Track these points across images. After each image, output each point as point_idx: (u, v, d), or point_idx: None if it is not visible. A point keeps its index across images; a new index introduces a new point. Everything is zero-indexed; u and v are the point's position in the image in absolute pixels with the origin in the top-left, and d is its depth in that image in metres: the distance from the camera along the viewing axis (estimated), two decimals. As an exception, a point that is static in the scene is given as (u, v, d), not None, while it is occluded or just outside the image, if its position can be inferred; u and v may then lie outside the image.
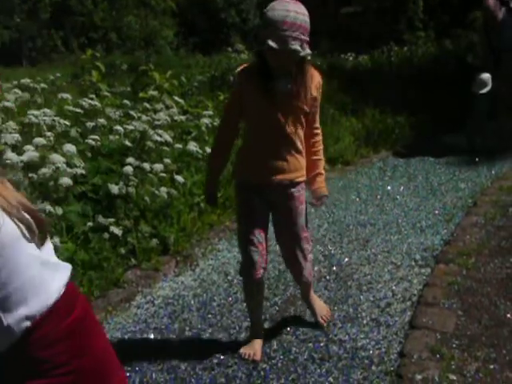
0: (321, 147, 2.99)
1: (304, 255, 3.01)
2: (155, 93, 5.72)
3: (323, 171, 3.01)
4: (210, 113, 5.98)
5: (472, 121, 7.48)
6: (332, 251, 4.41)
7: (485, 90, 7.04)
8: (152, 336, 3.22)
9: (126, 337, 3.21)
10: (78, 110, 5.04)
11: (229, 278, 3.96)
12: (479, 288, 3.68)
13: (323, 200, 3.02)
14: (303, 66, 2.66)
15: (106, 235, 3.80)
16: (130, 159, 4.22)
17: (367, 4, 28.07)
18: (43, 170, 3.84)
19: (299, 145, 2.83)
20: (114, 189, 4.01)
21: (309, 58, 2.62)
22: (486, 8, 7.05)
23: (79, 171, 4.06)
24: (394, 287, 3.77)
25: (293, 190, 2.87)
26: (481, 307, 3.43)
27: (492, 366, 2.85)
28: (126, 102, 5.64)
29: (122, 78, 12.10)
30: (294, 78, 2.66)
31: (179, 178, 4.47)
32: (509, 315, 3.33)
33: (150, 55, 19.71)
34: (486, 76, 7.07)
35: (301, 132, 2.82)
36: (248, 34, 24.86)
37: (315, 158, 2.97)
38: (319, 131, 2.98)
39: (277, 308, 3.52)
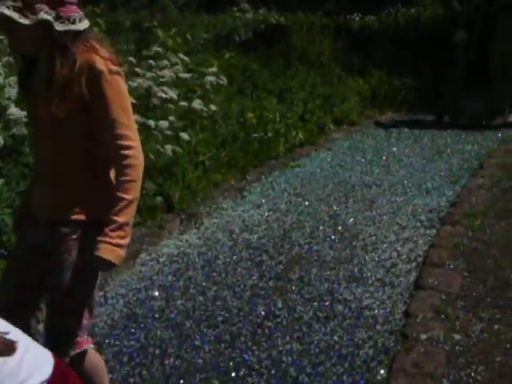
0: (130, 178, 1.79)
1: (60, 342, 1.86)
2: (159, 49, 5.64)
3: (124, 219, 1.79)
4: (215, 70, 5.91)
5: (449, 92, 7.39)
6: (337, 211, 4.38)
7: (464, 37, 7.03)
8: (156, 293, 3.21)
9: (131, 294, 3.21)
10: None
11: (233, 236, 3.95)
12: (485, 250, 3.66)
13: (98, 264, 1.81)
14: (52, 48, 1.73)
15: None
16: (135, 116, 4.16)
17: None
18: (47, 126, 3.79)
19: (72, 171, 1.86)
20: (119, 146, 3.97)
21: (59, 28, 1.70)
22: None
23: (83, 128, 4.01)
24: (399, 248, 3.76)
25: (60, 234, 1.85)
26: (486, 268, 3.42)
27: (496, 327, 2.84)
28: (131, 58, 5.56)
29: (126, 35, 11.95)
30: (47, 69, 1.76)
31: (184, 136, 4.43)
32: (514, 277, 3.32)
33: (154, 14, 19.48)
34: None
35: (76, 151, 1.84)
36: (253, -8, 24.49)
37: (117, 194, 1.80)
38: (128, 151, 1.79)
39: (281, 267, 3.51)
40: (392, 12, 16.01)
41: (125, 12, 21.15)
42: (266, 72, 7.73)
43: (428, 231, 4.01)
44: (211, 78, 5.56)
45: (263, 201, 4.59)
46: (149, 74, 4.69)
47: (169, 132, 4.37)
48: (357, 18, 16.14)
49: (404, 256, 3.63)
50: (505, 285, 3.23)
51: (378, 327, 2.88)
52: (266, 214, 4.33)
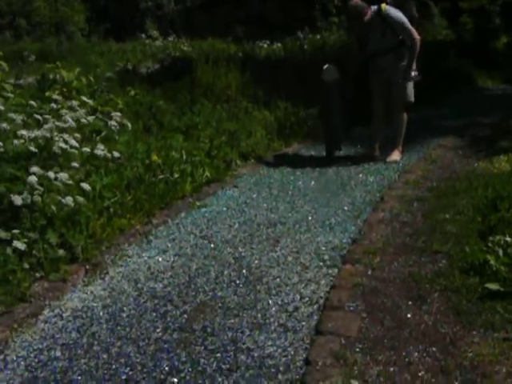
0: None
1: None
2: (60, 97, 5.59)
3: None
4: (118, 114, 5.89)
5: (327, 127, 7.54)
6: (242, 253, 4.44)
7: (335, 77, 7.17)
8: (59, 353, 3.16)
9: (32, 355, 3.15)
10: (-20, 114, 4.89)
11: (138, 285, 3.94)
12: (383, 288, 3.79)
13: None
14: None
15: (9, 250, 3.71)
16: (34, 168, 4.12)
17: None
18: None
19: None
20: (18, 200, 3.92)
21: None
22: (351, 8, 6.87)
23: (-19, 181, 3.95)
24: (302, 290, 3.84)
25: None
26: (384, 308, 3.54)
27: (392, 369, 2.96)
28: (32, 102, 5.49)
29: (32, 68, 11.79)
30: None
31: (85, 186, 4.40)
32: (409, 315, 3.45)
33: (61, 42, 19.27)
34: (331, 66, 7.25)
35: None
36: (162, 19, 24.57)
37: None
38: None
39: (186, 316, 3.52)
40: (300, 37, 16.44)
41: (30, 40, 20.88)
42: (172, 108, 7.77)
43: (330, 271, 4.11)
44: (115, 123, 5.55)
45: (169, 245, 4.60)
46: (47, 125, 4.62)
47: (70, 182, 4.33)
48: (265, 45, 16.48)
49: (306, 299, 3.72)
50: (401, 324, 3.37)
51: (280, 376, 2.94)
52: (172, 259, 4.35)
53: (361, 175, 6.55)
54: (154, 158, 5.59)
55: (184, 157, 6.11)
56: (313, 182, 6.29)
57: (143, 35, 21.12)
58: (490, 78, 16.47)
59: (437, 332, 3.28)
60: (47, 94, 6.06)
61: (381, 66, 6.90)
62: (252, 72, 9.79)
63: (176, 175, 5.64)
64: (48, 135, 4.41)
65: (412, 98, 6.96)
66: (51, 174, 4.16)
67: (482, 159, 7.01)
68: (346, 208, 5.42)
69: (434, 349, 3.12)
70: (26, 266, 3.79)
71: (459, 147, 7.91)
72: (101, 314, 3.59)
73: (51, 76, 7.12)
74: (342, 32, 17.25)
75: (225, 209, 5.44)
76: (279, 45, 15.61)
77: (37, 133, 4.43)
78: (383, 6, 6.63)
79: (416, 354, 3.08)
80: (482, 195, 5.32)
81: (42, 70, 8.04)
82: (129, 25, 22.74)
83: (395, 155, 7.17)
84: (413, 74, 6.83)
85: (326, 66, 7.21)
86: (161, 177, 5.46)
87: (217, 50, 13.96)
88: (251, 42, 16.70)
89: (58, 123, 4.65)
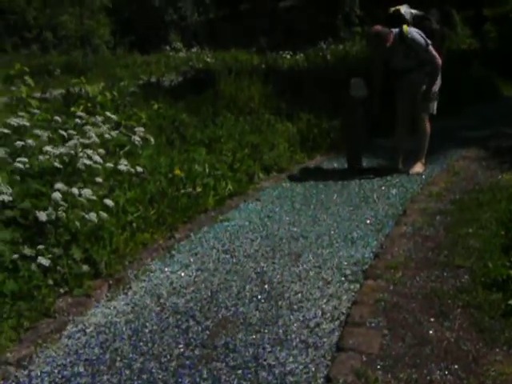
0: None
1: None
2: (84, 114, 5.67)
3: None
4: (141, 129, 5.96)
5: (350, 140, 7.52)
6: (264, 268, 4.45)
7: (362, 93, 7.13)
8: (82, 369, 3.20)
9: (56, 371, 3.19)
10: (6, 131, 4.96)
11: (161, 300, 3.97)
12: (404, 304, 3.78)
13: None
14: None
15: (34, 266, 3.76)
16: (59, 185, 4.18)
17: (305, -2, 28.18)
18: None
19: None
20: (43, 216, 3.98)
21: None
22: (375, 36, 6.78)
23: (6, 198, 4.01)
24: (323, 305, 3.84)
25: None
26: (405, 325, 3.53)
27: (413, 387, 2.96)
28: (57, 118, 5.58)
29: (58, 81, 11.93)
30: None
31: (109, 202, 4.45)
32: (431, 332, 3.44)
33: (86, 55, 19.52)
34: (359, 80, 7.16)
35: None
36: (185, 30, 24.74)
37: None
38: None
39: (208, 332, 3.54)
40: (323, 47, 16.43)
41: (57, 53, 21.18)
42: (194, 121, 7.80)
43: (352, 286, 4.11)
44: (138, 138, 5.61)
45: (191, 260, 4.63)
46: (72, 142, 4.69)
47: (94, 197, 4.38)
48: (288, 56, 16.52)
49: (328, 314, 3.72)
50: (423, 341, 3.35)
51: (301, 394, 2.95)
52: (194, 274, 4.38)
53: (383, 188, 6.53)
54: (177, 172, 5.63)
55: (207, 170, 6.14)
56: (335, 195, 6.28)
57: (167, 47, 21.28)
58: (515, 87, 16.30)
59: (459, 349, 3.26)
60: (72, 109, 6.15)
61: (405, 81, 6.90)
62: (275, 84, 9.80)
63: (199, 189, 5.68)
64: (72, 152, 4.48)
65: (434, 111, 6.96)
66: (75, 190, 4.22)
67: (506, 171, 6.95)
68: (368, 222, 5.41)
69: (456, 367, 3.10)
70: (51, 281, 3.84)
71: (483, 158, 7.86)
72: (123, 329, 3.63)
73: (76, 90, 7.22)
74: (364, 42, 17.23)
75: (247, 223, 5.46)
76: (302, 55, 15.64)
77: (61, 150, 4.50)
78: (405, 28, 6.57)
79: (438, 371, 3.07)
80: (505, 208, 5.29)
81: (68, 84, 8.15)
82: (153, 37, 22.94)
83: (418, 167, 7.15)
84: (433, 92, 6.82)
85: (353, 80, 7.17)
86: (184, 191, 5.50)
87: (240, 61, 14.00)
88: (274, 53, 16.77)
89: (82, 140, 4.73)
